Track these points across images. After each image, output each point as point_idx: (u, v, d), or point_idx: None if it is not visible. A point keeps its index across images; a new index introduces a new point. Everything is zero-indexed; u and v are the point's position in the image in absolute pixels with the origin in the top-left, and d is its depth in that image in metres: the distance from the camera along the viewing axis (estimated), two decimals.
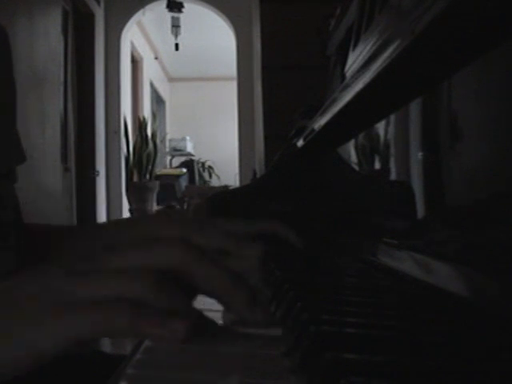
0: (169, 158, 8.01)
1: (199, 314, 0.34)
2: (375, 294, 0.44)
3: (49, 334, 0.29)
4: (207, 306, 0.37)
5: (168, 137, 7.96)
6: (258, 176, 2.67)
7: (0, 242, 0.57)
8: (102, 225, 0.67)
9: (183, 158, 7.92)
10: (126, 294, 0.31)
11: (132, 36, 5.55)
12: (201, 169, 7.97)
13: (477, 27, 0.34)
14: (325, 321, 0.31)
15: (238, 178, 5.09)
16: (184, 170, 7.09)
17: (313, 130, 0.83)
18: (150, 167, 5.43)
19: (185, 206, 5.71)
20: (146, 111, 6.55)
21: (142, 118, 5.63)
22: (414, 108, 0.50)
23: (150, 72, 7.06)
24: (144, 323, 0.29)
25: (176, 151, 7.98)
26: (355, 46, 0.81)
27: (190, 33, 6.13)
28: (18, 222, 0.61)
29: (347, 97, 0.58)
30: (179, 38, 5.81)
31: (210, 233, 0.43)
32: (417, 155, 0.49)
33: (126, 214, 5.10)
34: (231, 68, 5.11)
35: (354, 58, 0.79)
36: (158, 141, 5.69)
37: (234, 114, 5.00)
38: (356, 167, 0.76)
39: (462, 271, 0.37)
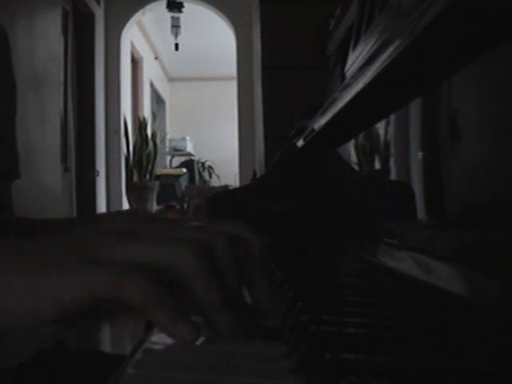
0: (169, 158, 8.00)
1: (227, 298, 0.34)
2: (375, 294, 0.44)
3: (74, 286, 0.30)
4: None
5: (168, 137, 7.96)
6: (258, 176, 2.67)
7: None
8: (102, 215, 0.67)
9: (183, 158, 7.92)
10: (169, 259, 0.32)
11: (132, 36, 5.55)
12: (201, 169, 7.97)
13: (477, 27, 0.34)
14: (325, 321, 0.31)
15: (238, 177, 5.09)
16: (184, 170, 7.08)
17: (313, 129, 0.83)
18: (150, 167, 5.43)
19: (185, 206, 5.71)
20: (146, 111, 6.55)
21: (142, 118, 5.64)
22: (414, 108, 0.50)
23: (150, 72, 7.06)
24: (158, 313, 0.30)
25: (176, 151, 7.98)
26: (355, 45, 0.81)
27: (190, 33, 6.12)
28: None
29: (347, 97, 0.58)
30: (179, 37, 5.81)
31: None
32: (417, 155, 0.49)
33: None
34: (231, 68, 5.11)
35: (354, 58, 0.79)
36: (158, 141, 5.69)
37: (234, 114, 5.00)
38: (356, 167, 0.76)
39: (462, 271, 0.37)
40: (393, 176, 0.59)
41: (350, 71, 0.82)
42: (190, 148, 8.10)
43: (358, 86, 0.53)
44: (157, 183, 5.46)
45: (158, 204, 5.69)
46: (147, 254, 0.32)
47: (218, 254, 0.34)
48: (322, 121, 0.75)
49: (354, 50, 0.82)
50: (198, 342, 0.32)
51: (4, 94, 0.61)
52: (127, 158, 5.24)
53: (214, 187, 6.53)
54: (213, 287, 0.32)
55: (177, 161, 7.92)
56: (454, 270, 0.38)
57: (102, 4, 4.74)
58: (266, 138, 2.23)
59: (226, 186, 5.75)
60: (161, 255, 0.32)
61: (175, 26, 5.74)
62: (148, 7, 4.97)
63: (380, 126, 0.62)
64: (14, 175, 0.61)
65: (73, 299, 0.30)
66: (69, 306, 0.30)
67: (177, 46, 5.76)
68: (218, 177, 8.06)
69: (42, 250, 0.33)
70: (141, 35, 6.38)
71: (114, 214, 0.63)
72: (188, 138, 8.04)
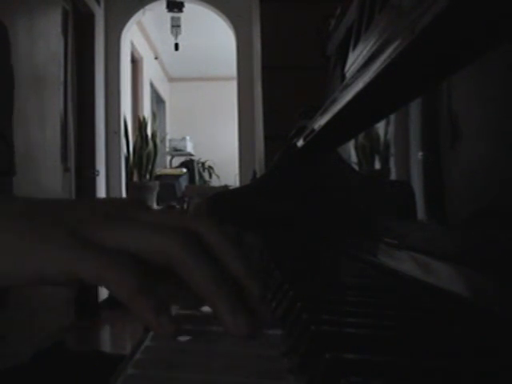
0: (169, 158, 8.00)
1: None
2: (375, 294, 0.44)
3: (59, 263, 0.30)
4: None
5: (168, 137, 7.96)
6: (257, 176, 2.67)
7: None
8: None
9: (183, 158, 7.92)
10: (152, 247, 0.31)
11: (132, 36, 5.55)
12: (201, 169, 7.97)
13: (477, 27, 0.34)
14: (325, 321, 0.31)
15: (238, 178, 5.09)
16: (184, 170, 7.08)
17: (313, 129, 0.83)
18: (149, 167, 5.43)
19: (185, 206, 5.71)
20: (146, 111, 6.55)
21: (142, 118, 5.63)
22: (414, 108, 0.50)
23: (150, 72, 7.06)
24: (140, 305, 0.30)
25: (176, 151, 7.98)
26: (355, 45, 0.81)
27: (190, 33, 6.12)
28: None
29: (347, 97, 0.58)
30: (179, 37, 5.81)
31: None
32: (417, 155, 0.49)
33: None
34: (231, 68, 5.10)
35: (354, 58, 0.79)
36: (158, 141, 5.69)
37: (234, 114, 4.99)
38: (356, 167, 0.76)
39: (462, 271, 0.37)
40: (393, 176, 0.59)
41: (350, 71, 0.82)
42: (190, 148, 8.10)
43: (358, 86, 0.53)
44: (157, 183, 5.46)
45: (157, 204, 5.69)
46: (135, 241, 0.31)
47: (211, 241, 0.33)
48: (322, 121, 0.75)
49: (353, 49, 0.82)
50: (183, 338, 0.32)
51: (3, 91, 0.61)
52: (127, 158, 5.23)
53: (214, 187, 6.53)
54: (206, 266, 0.31)
55: (177, 161, 7.92)
56: (454, 269, 0.38)
57: (102, 4, 4.74)
58: (265, 138, 2.23)
59: (226, 186, 5.75)
60: (149, 242, 0.31)
61: (175, 26, 5.74)
62: (148, 7, 4.96)
63: (380, 126, 0.62)
64: (13, 172, 0.62)
65: (54, 273, 0.30)
66: (51, 278, 0.30)
67: (177, 46, 5.76)
68: (218, 177, 8.05)
69: (31, 215, 0.32)
70: (141, 35, 6.38)
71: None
72: (188, 138, 8.04)
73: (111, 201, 0.35)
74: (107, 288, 0.30)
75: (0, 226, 0.31)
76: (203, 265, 0.32)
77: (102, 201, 0.36)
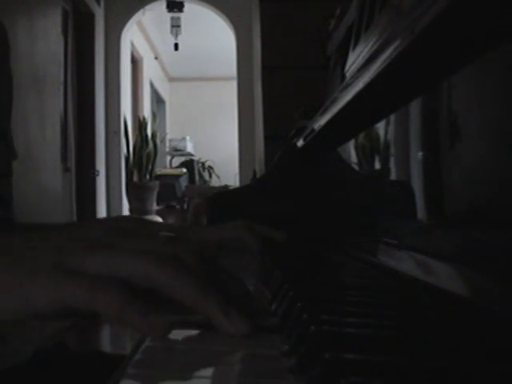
0: (169, 157, 8.01)
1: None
2: (375, 294, 0.44)
3: (47, 294, 0.31)
4: None
5: (168, 137, 7.96)
6: (257, 176, 2.67)
7: None
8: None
9: (183, 158, 7.92)
10: (132, 270, 0.32)
11: (132, 36, 5.55)
12: (201, 169, 7.97)
13: (477, 27, 0.34)
14: (325, 321, 0.31)
15: (238, 177, 5.09)
16: (184, 170, 7.08)
17: (313, 129, 0.83)
18: (150, 167, 5.43)
19: (185, 206, 5.71)
20: (146, 111, 6.55)
21: (142, 118, 5.63)
22: (414, 108, 0.50)
23: (150, 72, 7.06)
24: (129, 313, 0.30)
25: (176, 151, 7.98)
26: (355, 45, 0.81)
27: (190, 33, 6.13)
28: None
29: (347, 97, 0.58)
30: (179, 37, 5.81)
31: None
32: (417, 155, 0.49)
33: (125, 214, 5.09)
34: (231, 68, 5.11)
35: (354, 58, 0.79)
36: (158, 141, 5.69)
37: (234, 114, 5.00)
38: (356, 167, 0.76)
39: (462, 271, 0.37)
40: (393, 176, 0.59)
41: (349, 71, 0.82)
42: (190, 148, 8.10)
43: (358, 85, 0.53)
44: (157, 183, 5.46)
45: (157, 204, 5.69)
46: (117, 267, 0.32)
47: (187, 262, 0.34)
48: (322, 121, 0.75)
49: (353, 49, 0.82)
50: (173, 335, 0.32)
51: (3, 91, 0.61)
52: (127, 158, 5.24)
53: (214, 187, 6.53)
54: (186, 276, 0.32)
55: (177, 161, 7.92)
56: (454, 269, 0.38)
57: (102, 4, 4.74)
58: (265, 138, 2.23)
59: (226, 186, 5.75)
60: (129, 267, 0.32)
61: (175, 26, 5.74)
62: (148, 7, 4.96)
63: (380, 126, 0.62)
64: (10, 173, 0.62)
65: (43, 305, 0.31)
66: (40, 311, 0.31)
67: (176, 46, 5.76)
68: (218, 177, 8.06)
69: (17, 250, 0.33)
70: (141, 35, 6.38)
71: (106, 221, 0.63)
72: (188, 138, 8.04)
73: (99, 225, 0.37)
74: (96, 310, 0.31)
75: None
76: (182, 276, 0.32)
77: (88, 227, 0.37)
